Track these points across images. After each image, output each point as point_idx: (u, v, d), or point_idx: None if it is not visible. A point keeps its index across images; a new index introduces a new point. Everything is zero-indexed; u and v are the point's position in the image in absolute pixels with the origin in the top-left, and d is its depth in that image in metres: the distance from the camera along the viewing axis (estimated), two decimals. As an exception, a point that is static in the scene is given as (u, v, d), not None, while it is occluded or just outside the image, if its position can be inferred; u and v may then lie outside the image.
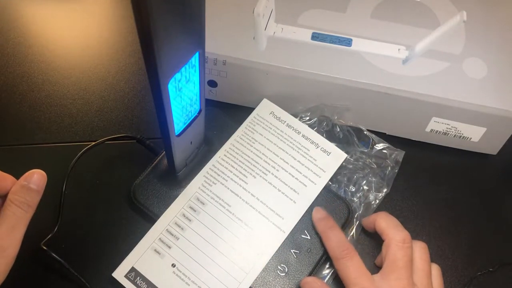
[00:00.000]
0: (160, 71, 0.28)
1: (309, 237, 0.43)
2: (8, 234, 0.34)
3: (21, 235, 0.34)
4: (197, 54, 0.33)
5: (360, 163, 0.49)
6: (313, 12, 0.51)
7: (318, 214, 0.44)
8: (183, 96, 0.36)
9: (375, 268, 0.44)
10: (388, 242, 0.40)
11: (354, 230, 0.45)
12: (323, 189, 0.46)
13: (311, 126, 0.49)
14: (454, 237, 0.47)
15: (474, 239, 0.47)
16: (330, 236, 0.42)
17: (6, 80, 0.55)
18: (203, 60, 0.34)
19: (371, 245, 0.45)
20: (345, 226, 0.45)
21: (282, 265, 0.42)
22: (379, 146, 0.50)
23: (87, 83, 0.55)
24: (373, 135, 0.50)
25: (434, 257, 0.45)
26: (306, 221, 0.44)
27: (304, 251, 0.43)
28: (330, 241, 0.42)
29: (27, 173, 0.36)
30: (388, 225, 0.41)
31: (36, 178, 0.35)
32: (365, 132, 0.50)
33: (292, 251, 0.43)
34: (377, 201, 0.47)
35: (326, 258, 0.43)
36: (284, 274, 0.41)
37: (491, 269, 0.45)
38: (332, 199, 0.45)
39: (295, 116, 0.50)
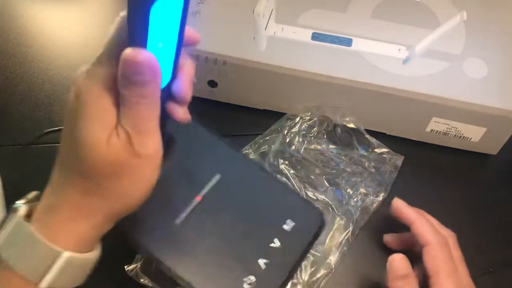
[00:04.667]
0: None
1: (279, 245, 0.38)
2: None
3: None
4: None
5: (359, 166, 0.49)
6: (313, 12, 0.51)
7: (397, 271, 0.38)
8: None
9: (373, 268, 0.44)
10: (428, 249, 0.38)
11: (350, 233, 0.45)
12: (293, 195, 0.42)
13: (311, 126, 0.49)
14: (454, 237, 0.47)
15: (474, 239, 0.47)
16: None
17: (6, 80, 0.55)
18: (185, 13, 0.26)
19: (368, 249, 0.45)
20: (316, 236, 0.40)
21: (249, 276, 0.37)
22: (379, 150, 0.50)
23: (87, 83, 0.55)
24: (374, 139, 0.50)
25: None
26: (275, 228, 0.39)
27: (274, 261, 0.37)
28: None
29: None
30: (424, 230, 0.39)
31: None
32: (366, 136, 0.50)
33: (260, 261, 0.38)
34: (375, 205, 0.47)
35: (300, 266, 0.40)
36: (251, 286, 0.36)
37: (491, 269, 0.45)
38: (304, 207, 0.40)
39: (295, 116, 0.50)
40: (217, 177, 0.40)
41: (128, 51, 0.24)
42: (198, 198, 0.39)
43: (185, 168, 0.40)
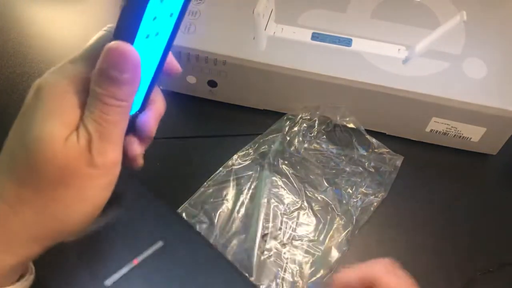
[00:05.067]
0: None
1: None
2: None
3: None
4: None
5: (359, 167, 0.49)
6: (313, 12, 0.51)
7: None
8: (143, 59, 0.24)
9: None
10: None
11: (349, 233, 0.45)
12: (239, 277, 0.39)
13: (311, 126, 0.50)
14: (454, 237, 0.47)
15: (474, 239, 0.47)
16: None
17: (6, 80, 0.55)
18: (177, 25, 0.25)
19: (368, 249, 0.45)
20: None
21: None
22: (379, 150, 0.50)
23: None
24: (374, 140, 0.50)
25: (434, 258, 0.45)
26: None
27: None
28: None
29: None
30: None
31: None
32: (366, 136, 0.50)
33: None
34: (375, 204, 0.47)
35: None
36: None
37: (491, 269, 0.45)
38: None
39: (295, 116, 0.50)
40: (159, 244, 0.38)
41: (115, 42, 0.22)
42: (134, 262, 0.37)
43: (128, 229, 0.38)
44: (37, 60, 0.57)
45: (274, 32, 0.49)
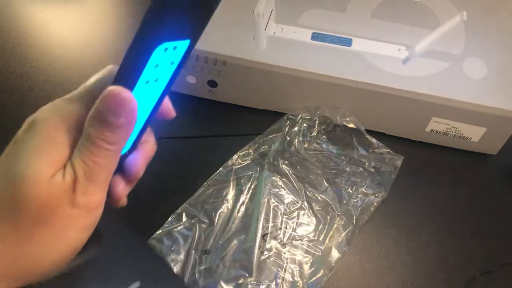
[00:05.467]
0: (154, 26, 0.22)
1: None
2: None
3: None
4: (187, 43, 0.25)
5: (359, 167, 0.49)
6: (313, 12, 0.51)
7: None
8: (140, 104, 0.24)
9: (373, 267, 0.44)
10: None
11: (349, 233, 0.45)
12: None
13: (311, 126, 0.49)
14: (454, 237, 0.47)
15: (474, 239, 0.47)
16: None
17: (6, 80, 0.55)
18: (177, 72, 0.26)
19: (368, 249, 0.45)
20: None
21: None
22: (379, 150, 0.50)
23: (87, 83, 0.55)
24: (374, 140, 0.50)
25: (434, 257, 0.45)
26: None
27: None
28: None
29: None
30: None
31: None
32: (366, 136, 0.50)
33: None
34: (375, 204, 0.47)
35: None
36: None
37: (491, 269, 0.45)
38: None
39: (295, 116, 0.50)
40: (136, 284, 0.40)
41: (115, 87, 0.22)
42: None
43: (107, 265, 0.39)
44: (37, 60, 0.57)
45: (274, 32, 0.49)
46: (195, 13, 0.25)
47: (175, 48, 0.24)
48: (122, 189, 0.27)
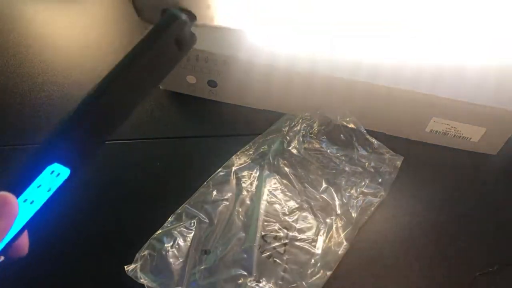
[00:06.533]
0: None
1: None
2: None
3: None
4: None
5: (359, 167, 0.49)
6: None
7: None
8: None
9: (373, 268, 0.44)
10: None
11: (349, 233, 0.45)
12: None
13: (311, 126, 0.49)
14: (454, 237, 0.47)
15: (474, 239, 0.47)
16: None
17: (6, 80, 0.55)
18: (49, 204, 0.26)
19: (368, 249, 0.45)
20: None
21: None
22: (379, 150, 0.50)
23: (87, 83, 0.55)
24: (374, 140, 0.50)
25: (434, 258, 0.45)
26: None
27: None
28: None
29: None
30: None
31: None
32: (366, 137, 0.50)
33: None
34: (375, 204, 0.47)
35: None
36: None
37: (491, 269, 0.45)
38: None
39: (295, 116, 0.50)
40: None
41: (5, 192, 0.24)
42: None
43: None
44: (38, 60, 0.57)
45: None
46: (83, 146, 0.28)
47: (58, 174, 0.26)
48: None
